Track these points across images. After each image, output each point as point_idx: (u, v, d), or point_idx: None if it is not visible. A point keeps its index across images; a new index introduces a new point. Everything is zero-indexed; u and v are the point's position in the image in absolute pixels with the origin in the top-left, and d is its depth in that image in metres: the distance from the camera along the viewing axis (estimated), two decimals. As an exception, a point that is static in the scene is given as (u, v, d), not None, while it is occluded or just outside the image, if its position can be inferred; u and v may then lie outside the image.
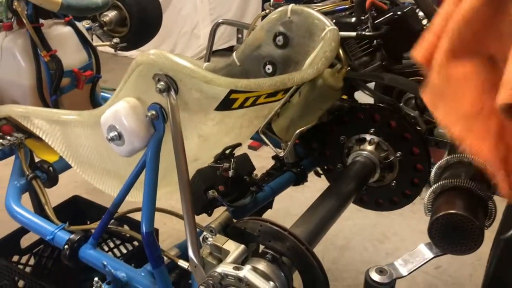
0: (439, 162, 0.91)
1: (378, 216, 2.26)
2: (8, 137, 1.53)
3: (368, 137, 1.35)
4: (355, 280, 2.29)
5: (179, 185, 0.99)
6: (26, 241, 1.81)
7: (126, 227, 1.75)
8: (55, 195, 1.95)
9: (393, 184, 1.37)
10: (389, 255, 2.46)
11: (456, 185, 0.81)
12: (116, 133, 1.06)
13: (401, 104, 1.53)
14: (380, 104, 1.39)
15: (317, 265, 0.92)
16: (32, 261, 1.85)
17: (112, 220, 1.68)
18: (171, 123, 0.99)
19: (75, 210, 1.90)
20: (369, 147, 1.34)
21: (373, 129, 1.34)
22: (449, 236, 0.77)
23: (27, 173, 1.43)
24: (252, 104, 1.02)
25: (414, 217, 2.57)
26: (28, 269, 1.82)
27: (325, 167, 1.48)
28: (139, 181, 1.12)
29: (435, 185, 0.84)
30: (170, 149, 1.02)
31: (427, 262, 0.86)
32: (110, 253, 1.93)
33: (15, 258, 1.78)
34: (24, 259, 1.81)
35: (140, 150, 1.08)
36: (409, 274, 0.85)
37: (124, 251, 1.93)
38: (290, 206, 2.22)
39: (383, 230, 2.59)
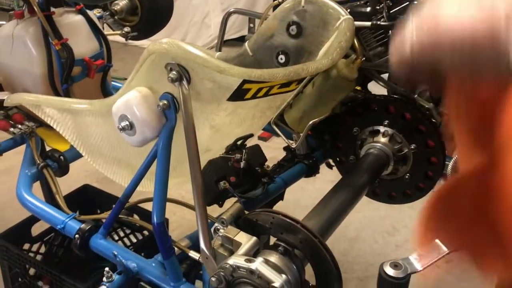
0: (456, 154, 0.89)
1: (388, 208, 2.24)
2: (20, 126, 1.53)
3: (382, 129, 1.33)
4: (365, 272, 2.28)
5: (191, 175, 0.97)
6: (37, 229, 1.81)
7: (136, 217, 1.74)
8: (66, 184, 1.95)
9: (406, 177, 1.35)
10: (399, 247, 2.45)
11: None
12: (127, 122, 1.05)
13: (415, 95, 1.50)
14: (395, 96, 1.37)
15: (330, 258, 0.91)
16: (43, 249, 1.85)
17: (123, 210, 1.69)
18: (183, 113, 0.98)
19: (86, 199, 1.90)
20: (383, 139, 1.32)
21: (387, 121, 1.31)
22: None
23: (38, 162, 1.43)
24: (265, 94, 1.01)
25: (425, 210, 2.53)
26: (39, 257, 1.82)
27: (338, 159, 1.47)
28: (150, 171, 1.11)
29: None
30: (181, 139, 1.01)
31: (443, 257, 0.84)
32: (120, 242, 1.93)
33: (26, 246, 1.78)
34: (35, 247, 1.82)
35: (151, 140, 1.07)
36: (424, 269, 0.84)
37: (134, 240, 1.93)
38: (300, 198, 2.21)
39: (393, 222, 2.57)
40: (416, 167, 1.33)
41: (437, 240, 0.86)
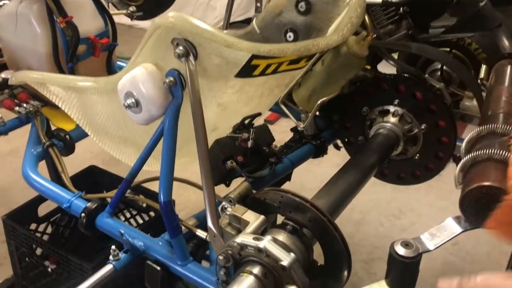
0: (470, 134, 0.87)
1: (394, 191, 2.22)
2: (25, 105, 1.52)
3: (392, 108, 1.30)
4: (370, 255, 2.28)
5: (198, 154, 0.96)
6: (43, 210, 1.81)
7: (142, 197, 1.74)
8: (72, 166, 1.94)
9: (416, 157, 1.33)
10: (405, 230, 2.44)
11: (489, 156, 0.77)
12: (133, 100, 1.03)
13: (426, 75, 1.47)
14: (405, 75, 1.34)
15: (339, 238, 0.90)
16: (49, 230, 1.85)
17: (129, 191, 1.68)
18: (189, 90, 0.96)
19: (91, 180, 1.89)
20: (393, 119, 1.30)
21: (397, 101, 1.29)
22: (482, 209, 0.73)
23: (44, 141, 1.41)
24: (274, 71, 0.99)
25: (432, 193, 2.52)
26: (45, 238, 1.83)
27: (346, 140, 1.45)
28: (156, 150, 1.10)
29: (467, 157, 0.80)
30: (188, 118, 0.99)
31: (455, 236, 0.83)
32: (126, 223, 1.93)
33: (33, 226, 1.79)
34: (42, 227, 1.82)
35: (157, 118, 1.05)
36: (436, 248, 0.82)
37: (141, 221, 1.93)
38: (305, 180, 2.19)
39: (399, 205, 2.56)
40: (426, 147, 1.30)
41: (450, 218, 0.84)
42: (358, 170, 1.17)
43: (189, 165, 1.21)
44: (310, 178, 2.24)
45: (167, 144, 1.03)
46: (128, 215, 1.94)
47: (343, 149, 1.51)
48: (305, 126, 1.34)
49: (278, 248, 0.85)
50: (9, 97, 1.53)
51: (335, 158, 1.58)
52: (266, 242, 0.85)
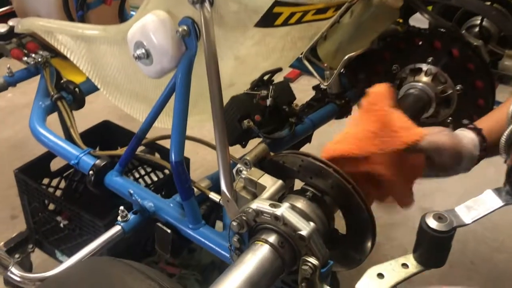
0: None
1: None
2: (33, 55, 1.45)
3: (424, 67, 1.20)
4: (389, 220, 2.21)
5: (212, 111, 0.88)
6: (57, 164, 1.77)
7: (157, 155, 1.68)
8: (88, 120, 1.90)
9: (448, 120, 1.23)
10: (426, 196, 2.33)
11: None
12: (143, 50, 0.95)
13: (463, 31, 1.35)
14: (441, 30, 1.22)
15: (364, 206, 0.82)
16: (63, 185, 1.82)
17: (144, 148, 1.62)
18: (204, 41, 0.87)
19: (106, 135, 1.84)
20: (425, 79, 1.19)
21: (431, 58, 1.18)
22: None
23: (52, 93, 1.35)
24: (298, 21, 0.89)
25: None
26: (59, 192, 1.80)
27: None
28: (169, 106, 1.02)
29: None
30: (203, 71, 0.90)
31: (494, 210, 0.74)
32: (141, 180, 1.88)
33: (46, 180, 1.75)
34: (54, 182, 1.79)
35: (169, 71, 0.97)
36: (472, 222, 0.74)
37: (155, 178, 1.88)
38: (327, 142, 2.11)
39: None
40: (460, 110, 1.20)
41: (489, 191, 0.76)
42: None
43: (203, 122, 1.14)
44: (331, 139, 2.15)
45: (179, 100, 0.95)
46: (142, 172, 1.89)
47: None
48: (329, 84, 1.25)
49: (297, 216, 0.78)
50: (17, 46, 1.45)
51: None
52: (283, 210, 0.78)
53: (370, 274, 0.76)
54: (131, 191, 1.06)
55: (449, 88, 1.18)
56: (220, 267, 1.61)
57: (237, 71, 1.03)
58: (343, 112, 1.36)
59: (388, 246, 2.06)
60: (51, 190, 1.74)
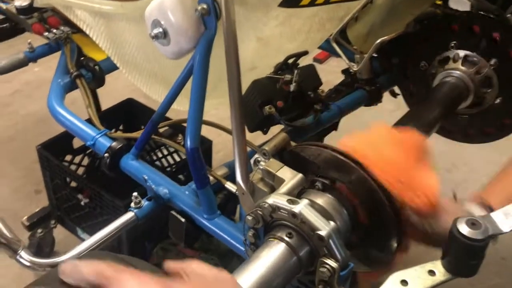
0: None
1: (448, 142, 2.03)
2: (54, 30, 1.41)
3: (462, 52, 1.10)
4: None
5: (229, 96, 0.82)
6: (78, 141, 1.76)
7: (181, 136, 1.64)
8: (111, 98, 1.87)
9: (497, 101, 1.13)
10: (457, 186, 2.25)
11: None
12: (160, 29, 0.90)
13: (508, 15, 1.24)
14: (481, 12, 1.12)
15: (389, 205, 0.76)
16: (86, 162, 1.80)
17: (167, 128, 1.57)
18: (224, 21, 0.81)
19: (129, 113, 1.81)
20: (454, 64, 1.10)
21: (471, 44, 1.09)
22: None
23: (72, 70, 1.31)
24: (326, 1, 0.82)
25: (488, 147, 2.30)
26: (81, 170, 1.78)
27: (406, 88, 1.26)
28: (187, 88, 0.97)
29: None
30: (223, 53, 0.84)
31: (536, 218, 0.67)
32: (164, 160, 1.85)
33: (68, 157, 1.74)
34: (77, 159, 1.77)
35: (187, 52, 0.92)
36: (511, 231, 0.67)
37: (178, 159, 1.85)
38: (353, 129, 2.03)
39: (452, 158, 2.35)
40: (505, 85, 1.11)
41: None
42: (418, 126, 1.00)
43: (222, 106, 1.09)
44: (358, 126, 2.07)
45: (196, 83, 0.90)
46: (165, 152, 1.86)
47: (399, 97, 1.33)
48: (359, 68, 1.17)
49: (316, 214, 0.72)
50: (38, 21, 1.42)
51: (388, 104, 1.41)
52: (302, 207, 0.72)
53: (393, 280, 0.70)
54: (146, 177, 1.02)
55: (483, 67, 1.09)
56: (239, 255, 1.58)
57: (260, 53, 0.96)
58: (373, 99, 1.29)
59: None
60: (73, 167, 1.73)
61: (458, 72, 1.11)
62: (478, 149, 2.29)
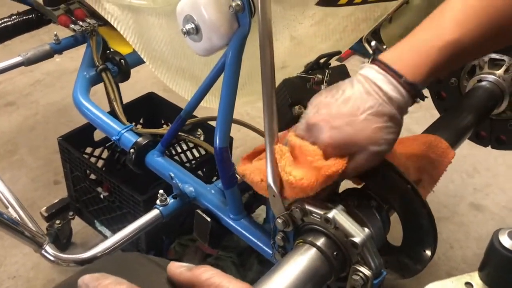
0: None
1: (472, 146, 2.00)
2: (81, 23, 1.41)
3: (486, 57, 1.08)
4: (436, 213, 2.08)
5: (263, 96, 0.80)
6: (99, 134, 1.75)
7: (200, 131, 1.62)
8: (132, 90, 1.86)
9: None
10: (478, 191, 2.21)
11: None
12: (193, 25, 0.88)
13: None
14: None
15: (427, 215, 0.74)
16: (105, 154, 1.80)
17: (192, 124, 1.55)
18: (259, 18, 0.79)
19: (150, 107, 1.80)
20: (500, 71, 1.07)
21: None
22: None
23: (97, 64, 1.30)
24: (364, 0, 0.79)
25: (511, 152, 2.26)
26: (101, 162, 1.78)
27: (436, 91, 1.23)
28: (216, 86, 0.96)
29: None
30: (254, 51, 0.82)
31: None
32: (188, 153, 1.83)
33: (89, 150, 1.74)
34: (97, 152, 1.77)
35: (219, 49, 0.90)
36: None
37: (197, 154, 1.83)
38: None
39: (474, 162, 2.31)
40: None
41: None
42: (449, 132, 0.97)
43: (250, 104, 1.07)
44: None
45: (228, 81, 0.88)
46: (191, 145, 1.84)
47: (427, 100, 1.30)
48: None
49: (350, 220, 0.70)
50: (64, 13, 1.41)
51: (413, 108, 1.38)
52: (335, 212, 0.71)
53: (428, 291, 0.68)
54: (172, 174, 1.01)
55: (511, 65, 1.06)
56: (259, 254, 1.56)
57: (292, 52, 0.94)
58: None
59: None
60: (93, 159, 1.73)
61: (487, 76, 1.08)
62: (501, 154, 2.25)
